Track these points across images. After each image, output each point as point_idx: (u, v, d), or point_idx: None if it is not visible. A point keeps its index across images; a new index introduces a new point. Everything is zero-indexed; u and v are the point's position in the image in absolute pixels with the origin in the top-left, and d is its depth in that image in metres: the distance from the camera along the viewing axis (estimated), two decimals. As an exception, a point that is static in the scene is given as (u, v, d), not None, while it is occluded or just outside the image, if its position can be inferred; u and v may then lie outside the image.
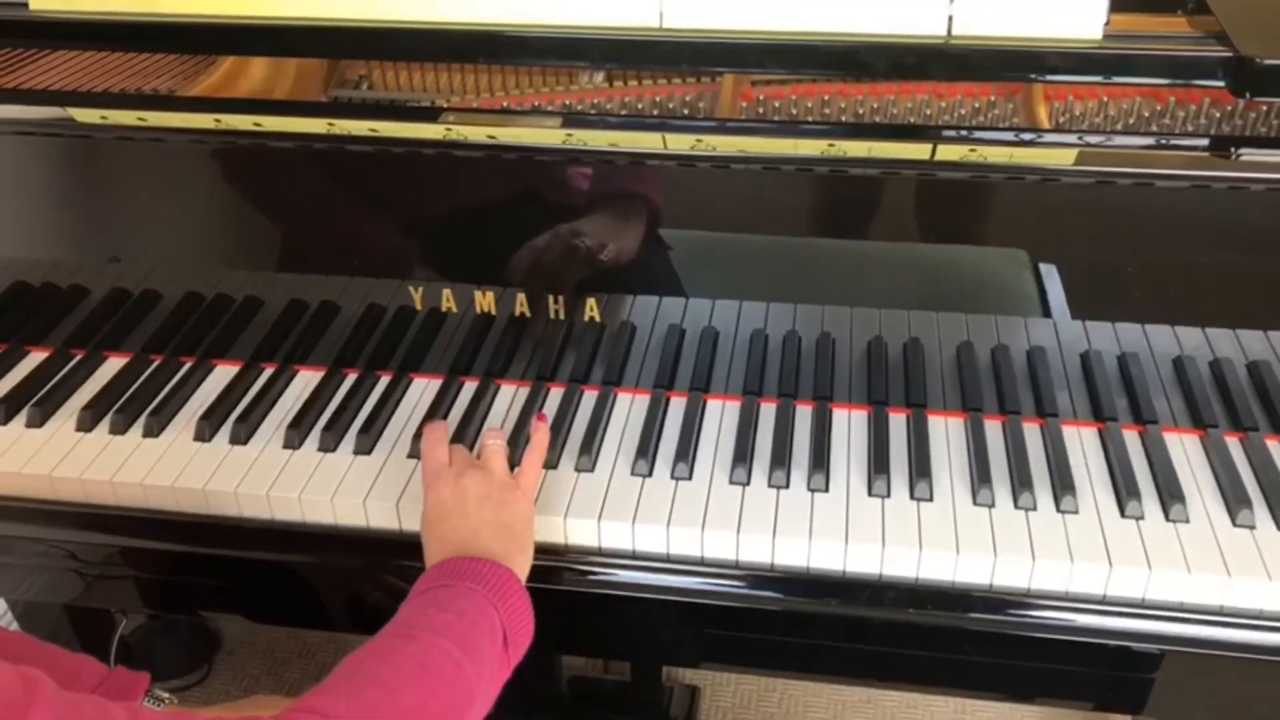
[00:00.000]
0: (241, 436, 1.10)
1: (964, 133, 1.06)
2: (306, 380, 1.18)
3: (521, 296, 1.12)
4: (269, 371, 1.19)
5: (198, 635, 1.87)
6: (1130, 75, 1.07)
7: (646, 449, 1.06)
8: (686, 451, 1.05)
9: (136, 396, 1.15)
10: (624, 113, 1.13)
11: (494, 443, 1.02)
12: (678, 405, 1.12)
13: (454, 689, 0.81)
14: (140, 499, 1.06)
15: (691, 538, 0.99)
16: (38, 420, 1.13)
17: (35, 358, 1.22)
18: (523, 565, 0.94)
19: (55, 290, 1.22)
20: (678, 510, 1.00)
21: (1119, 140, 1.04)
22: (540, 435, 1.04)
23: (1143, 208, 1.00)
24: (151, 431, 1.11)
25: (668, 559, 1.00)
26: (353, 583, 1.11)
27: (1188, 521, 0.98)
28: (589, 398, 1.14)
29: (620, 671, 1.68)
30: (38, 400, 1.15)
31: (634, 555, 1.00)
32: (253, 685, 1.84)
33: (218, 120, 1.12)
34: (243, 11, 1.17)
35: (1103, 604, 0.95)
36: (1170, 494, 0.99)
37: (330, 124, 1.11)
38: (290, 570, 1.10)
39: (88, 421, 1.12)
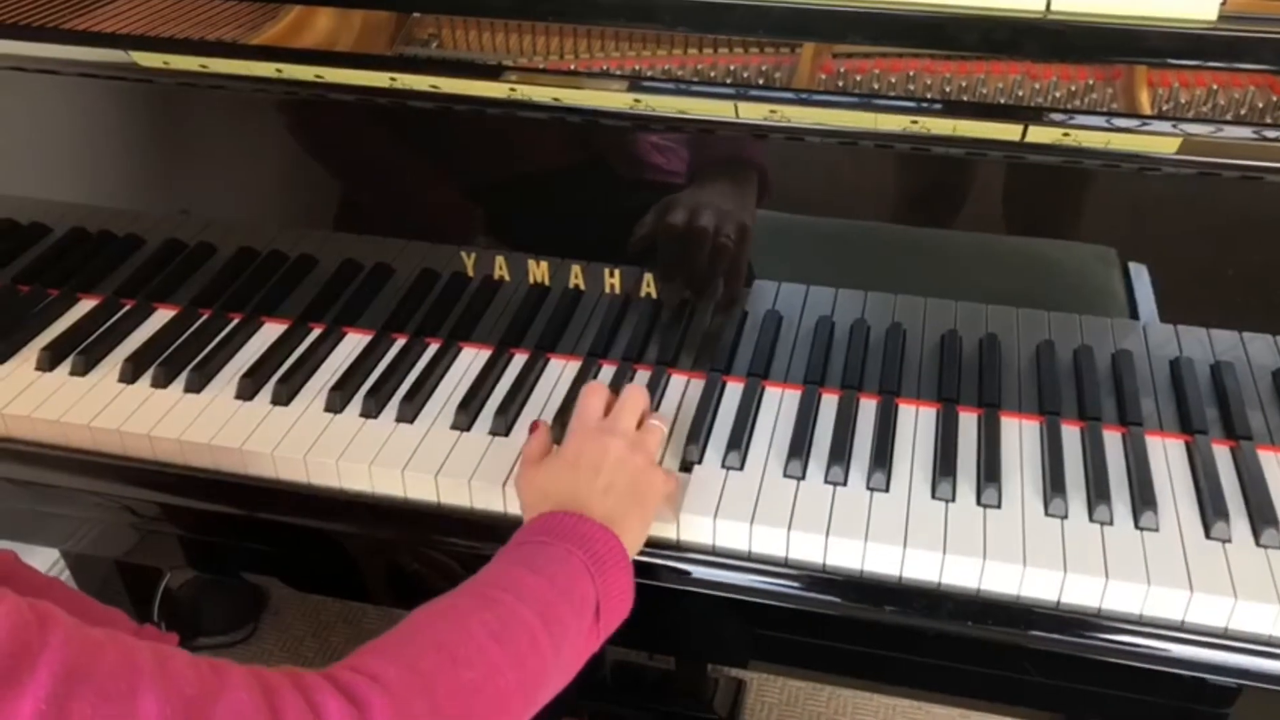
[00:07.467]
0: (283, 397, 1.07)
1: (1058, 115, 0.99)
2: (354, 343, 1.15)
3: (577, 268, 1.07)
4: (317, 332, 1.16)
5: (244, 593, 1.87)
6: (1246, 61, 0.98)
7: (698, 435, 1.01)
8: (740, 440, 1.00)
9: (181, 350, 1.13)
10: (695, 80, 1.07)
11: (655, 423, 0.99)
12: (734, 391, 1.07)
13: (525, 667, 0.75)
14: (177, 455, 1.04)
15: (739, 532, 0.93)
16: (81, 369, 1.11)
17: (85, 305, 1.21)
18: (634, 540, 0.89)
19: (111, 238, 1.20)
20: (726, 502, 0.95)
21: (1227, 131, 0.96)
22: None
23: (1249, 205, 0.92)
24: (193, 387, 1.09)
25: (713, 552, 0.95)
26: (389, 556, 1.08)
27: (1280, 548, 0.90)
28: (641, 377, 1.09)
29: (666, 660, 1.64)
30: (84, 349, 1.13)
31: (678, 546, 0.95)
32: (297, 646, 1.84)
33: (279, 70, 1.08)
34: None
35: (1180, 631, 0.88)
36: (1262, 517, 0.91)
37: (392, 79, 1.06)
38: (327, 538, 1.06)
39: (130, 373, 1.10)
